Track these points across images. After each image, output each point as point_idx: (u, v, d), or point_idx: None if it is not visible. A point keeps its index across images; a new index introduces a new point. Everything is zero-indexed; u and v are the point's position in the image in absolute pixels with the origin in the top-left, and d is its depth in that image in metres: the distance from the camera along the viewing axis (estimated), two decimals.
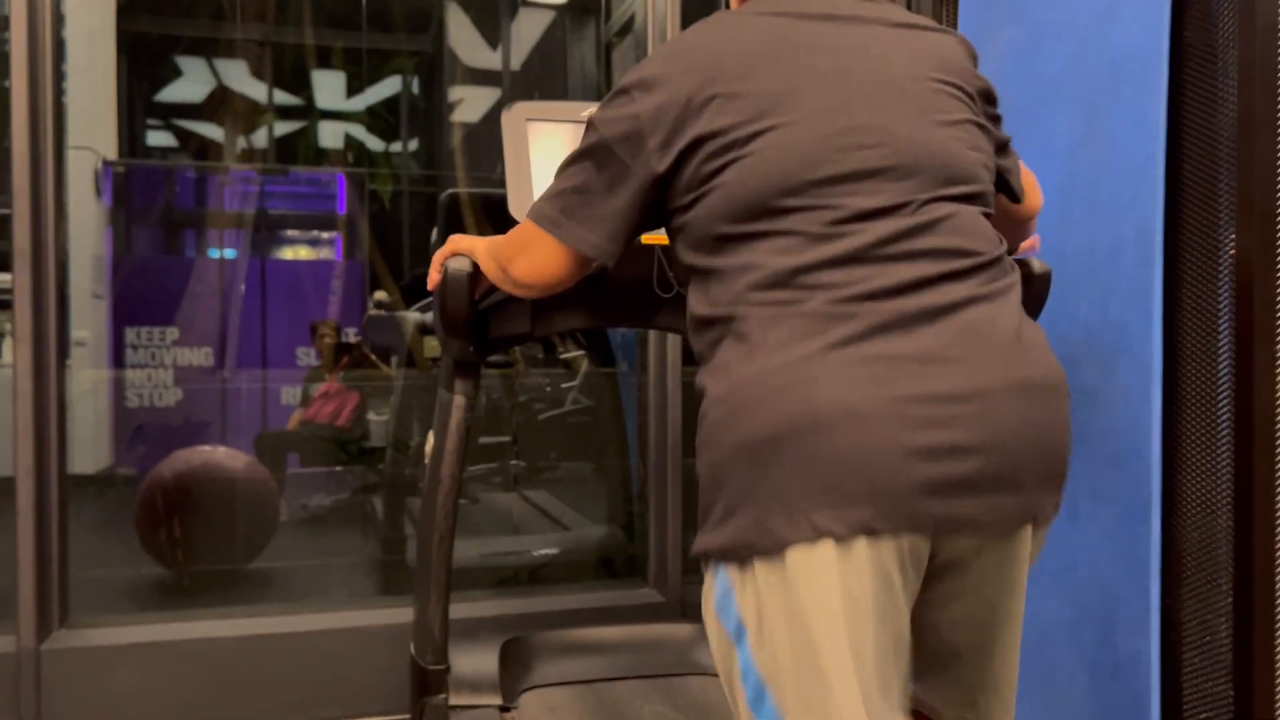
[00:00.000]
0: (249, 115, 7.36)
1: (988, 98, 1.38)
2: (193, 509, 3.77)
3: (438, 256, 1.90)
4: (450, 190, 3.57)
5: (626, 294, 2.20)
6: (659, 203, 1.27)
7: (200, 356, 6.12)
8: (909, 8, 2.43)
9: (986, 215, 1.27)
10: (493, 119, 6.60)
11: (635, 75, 1.26)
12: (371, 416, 5.29)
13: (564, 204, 1.30)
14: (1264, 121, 1.64)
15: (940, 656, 1.28)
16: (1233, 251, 1.69)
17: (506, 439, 4.56)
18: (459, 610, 2.90)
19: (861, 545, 1.07)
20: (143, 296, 6.04)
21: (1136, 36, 1.80)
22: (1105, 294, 1.87)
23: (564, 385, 4.67)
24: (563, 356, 4.53)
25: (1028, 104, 2.07)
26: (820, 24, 1.25)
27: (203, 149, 7.58)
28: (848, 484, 1.06)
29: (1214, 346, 1.74)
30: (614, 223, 1.27)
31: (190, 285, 6.26)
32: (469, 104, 7.23)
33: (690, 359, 2.65)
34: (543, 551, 3.69)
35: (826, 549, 1.06)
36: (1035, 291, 1.79)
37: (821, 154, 1.16)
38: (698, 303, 1.22)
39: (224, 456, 4.24)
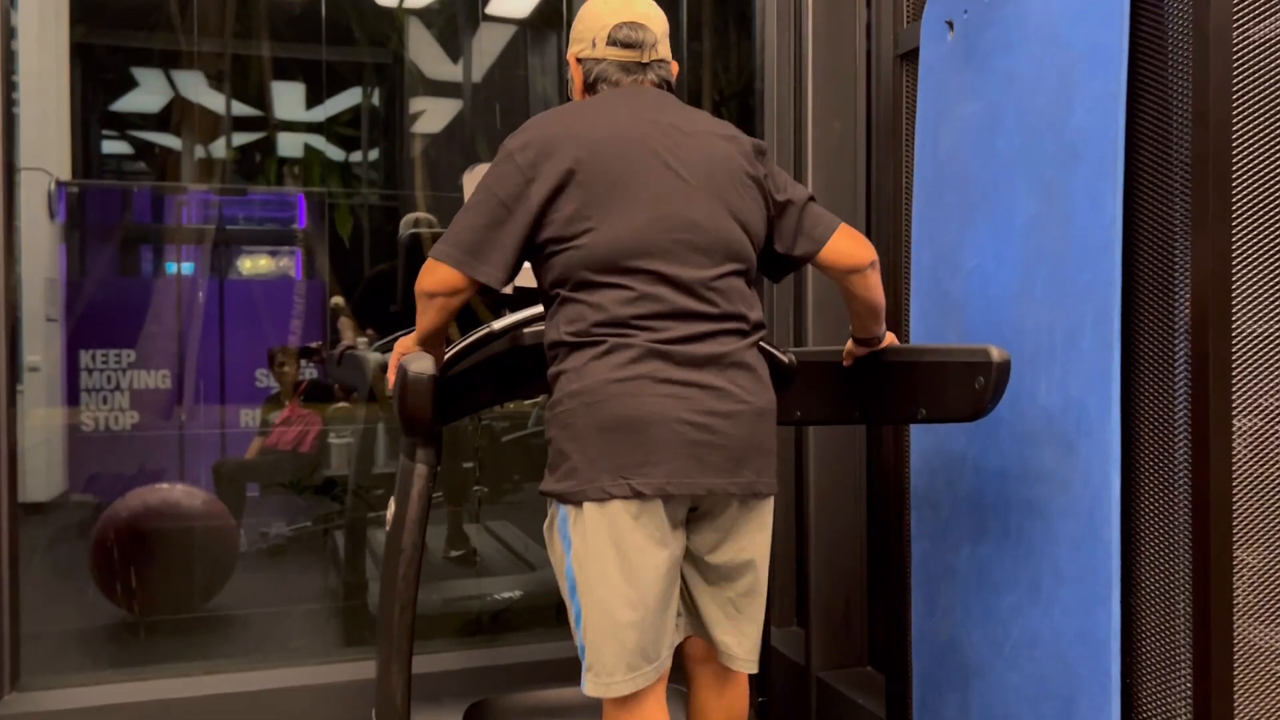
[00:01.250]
0: (207, 127, 7.26)
1: (759, 176, 1.84)
2: (148, 554, 3.71)
3: (392, 359, 1.90)
4: (411, 231, 3.53)
5: None
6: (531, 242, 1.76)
7: (158, 379, 6.02)
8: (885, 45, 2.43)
9: (750, 286, 1.83)
10: (453, 130, 6.55)
11: (513, 143, 1.77)
12: (333, 440, 5.24)
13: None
14: (1216, 216, 1.66)
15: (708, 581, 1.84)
16: (1188, 346, 1.71)
17: (469, 465, 4.52)
18: (421, 664, 2.87)
19: (658, 503, 1.67)
20: (98, 319, 5.92)
21: (1093, 122, 1.81)
22: (1065, 374, 1.88)
23: (528, 403, 4.63)
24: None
25: (987, 179, 2.08)
26: (647, 127, 1.76)
27: (161, 161, 7.46)
28: (653, 463, 1.66)
29: (1171, 430, 1.76)
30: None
31: (147, 306, 6.15)
32: (430, 116, 7.17)
33: None
34: (506, 595, 3.66)
35: (634, 503, 1.66)
36: (994, 380, 1.79)
37: (648, 235, 1.71)
38: (561, 323, 1.76)
39: (181, 495, 4.17)
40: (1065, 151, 1.86)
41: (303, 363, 5.63)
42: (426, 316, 1.80)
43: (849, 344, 2.03)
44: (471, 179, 2.50)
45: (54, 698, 2.75)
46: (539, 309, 2.25)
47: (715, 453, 1.69)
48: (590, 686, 1.72)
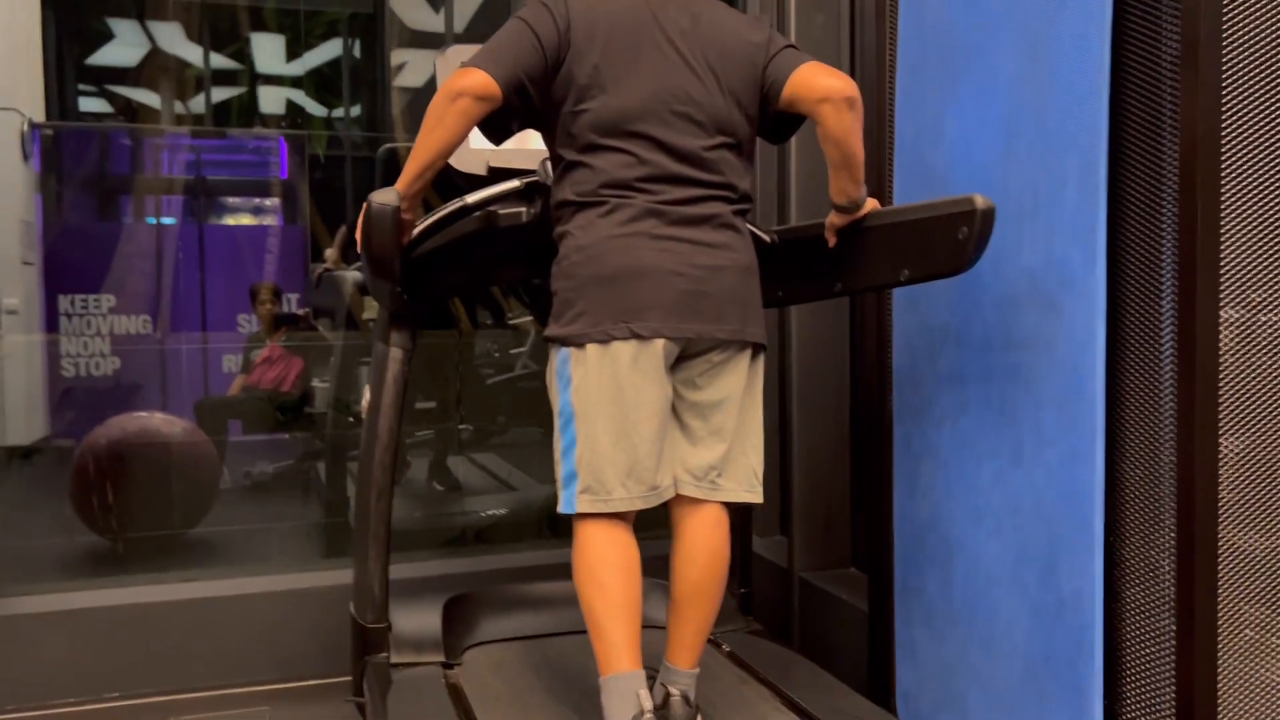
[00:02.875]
0: (185, 79, 7.15)
1: (765, 49, 1.92)
2: (128, 475, 3.67)
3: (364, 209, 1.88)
4: (388, 145, 3.47)
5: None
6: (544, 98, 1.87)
7: (138, 324, 5.96)
8: None
9: (743, 159, 1.94)
10: (434, 85, 6.43)
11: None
12: (316, 383, 5.19)
13: None
14: (1207, 55, 1.62)
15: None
16: (1176, 184, 1.67)
17: (451, 402, 4.48)
18: (403, 570, 2.84)
19: (654, 344, 1.81)
20: (77, 263, 5.85)
21: None
22: (1049, 232, 1.85)
23: (513, 351, 4.60)
24: (511, 322, 4.46)
25: (972, 42, 2.04)
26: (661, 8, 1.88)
27: (138, 114, 7.35)
28: (649, 309, 1.80)
29: (1158, 283, 1.73)
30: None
31: (126, 251, 6.08)
32: (411, 67, 7.07)
33: None
34: (489, 511, 3.64)
35: (633, 344, 1.80)
36: (979, 227, 1.76)
37: (650, 105, 1.84)
38: (568, 185, 1.88)
39: (160, 422, 4.12)
40: (1051, 1, 1.82)
41: (285, 298, 5.57)
42: (441, 129, 1.79)
43: (830, 215, 2.01)
44: (444, 62, 2.45)
45: (25, 603, 2.72)
46: (513, 183, 2.21)
47: (704, 301, 1.83)
48: (586, 503, 1.83)
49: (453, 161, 2.32)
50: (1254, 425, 1.70)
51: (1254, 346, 1.68)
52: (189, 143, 7.03)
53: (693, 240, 1.83)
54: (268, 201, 7.39)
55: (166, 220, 6.62)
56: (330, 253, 4.09)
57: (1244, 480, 1.70)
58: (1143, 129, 1.74)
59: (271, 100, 7.98)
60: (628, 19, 1.86)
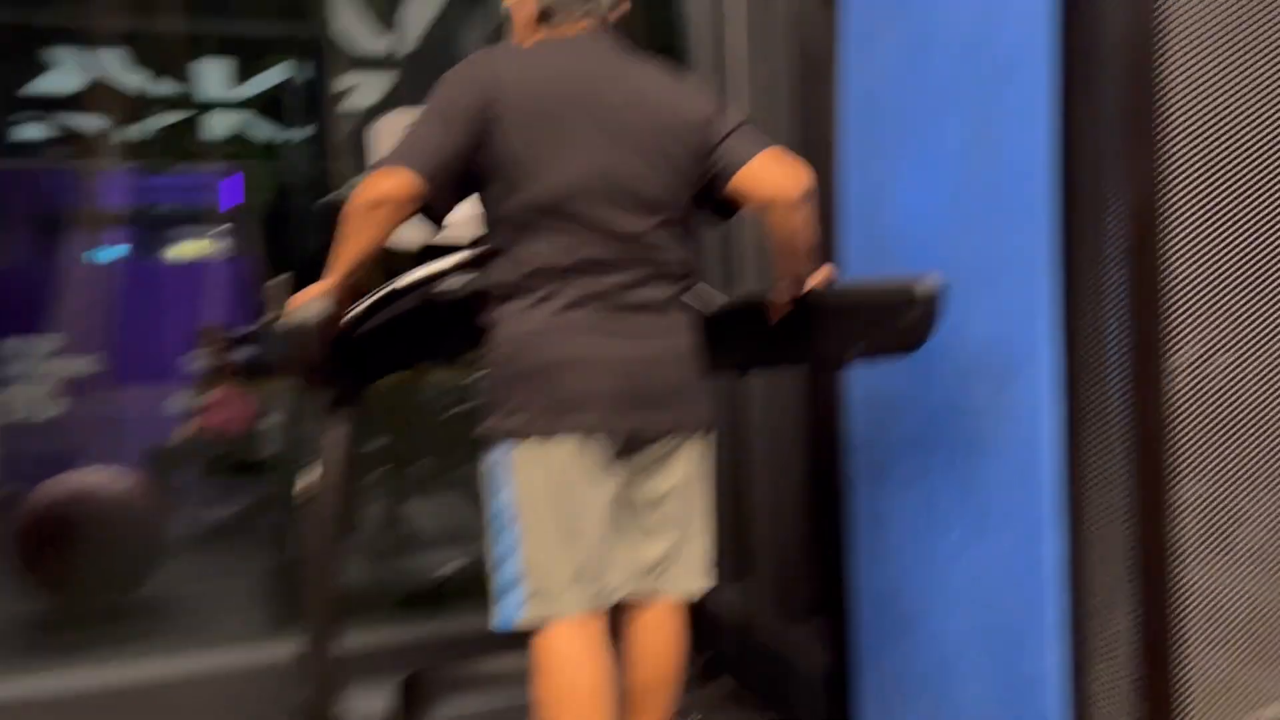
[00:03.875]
0: (129, 107, 6.99)
1: (712, 125, 1.82)
2: (71, 540, 3.55)
3: (290, 304, 1.80)
4: (326, 199, 3.39)
5: None
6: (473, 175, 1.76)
7: (83, 366, 5.81)
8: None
9: (684, 234, 1.85)
10: (386, 105, 6.35)
11: (463, 70, 1.75)
12: (272, 417, 5.09)
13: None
14: (1149, 131, 1.61)
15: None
16: (1124, 268, 1.65)
17: (404, 442, 4.40)
18: (357, 641, 2.77)
19: (591, 441, 1.73)
20: (17, 305, 5.69)
21: (1021, 41, 1.74)
22: (1000, 305, 1.82)
23: (468, 381, 4.52)
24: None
25: (918, 108, 2.01)
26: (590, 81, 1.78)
27: (81, 143, 7.18)
28: (588, 402, 1.73)
29: (1108, 358, 1.71)
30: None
31: (70, 290, 5.93)
32: (361, 91, 6.97)
33: None
34: (445, 569, 3.57)
35: (570, 440, 1.72)
36: (929, 309, 1.73)
37: (586, 185, 1.73)
38: (497, 269, 1.79)
39: (106, 479, 4.00)
40: (996, 73, 1.80)
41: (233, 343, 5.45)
42: (359, 236, 1.70)
43: (776, 287, 1.95)
44: (379, 131, 2.39)
45: None
46: (444, 263, 2.15)
47: (646, 392, 1.76)
48: (534, 608, 1.73)
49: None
50: (1210, 503, 1.69)
51: (1207, 427, 1.67)
52: (131, 177, 6.88)
53: (632, 328, 1.76)
54: (216, 233, 7.25)
55: (114, 253, 6.47)
56: (274, 305, 3.99)
57: (1201, 562, 1.68)
58: (1090, 204, 1.72)
59: (218, 125, 7.84)
60: (560, 91, 1.74)
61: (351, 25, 7.02)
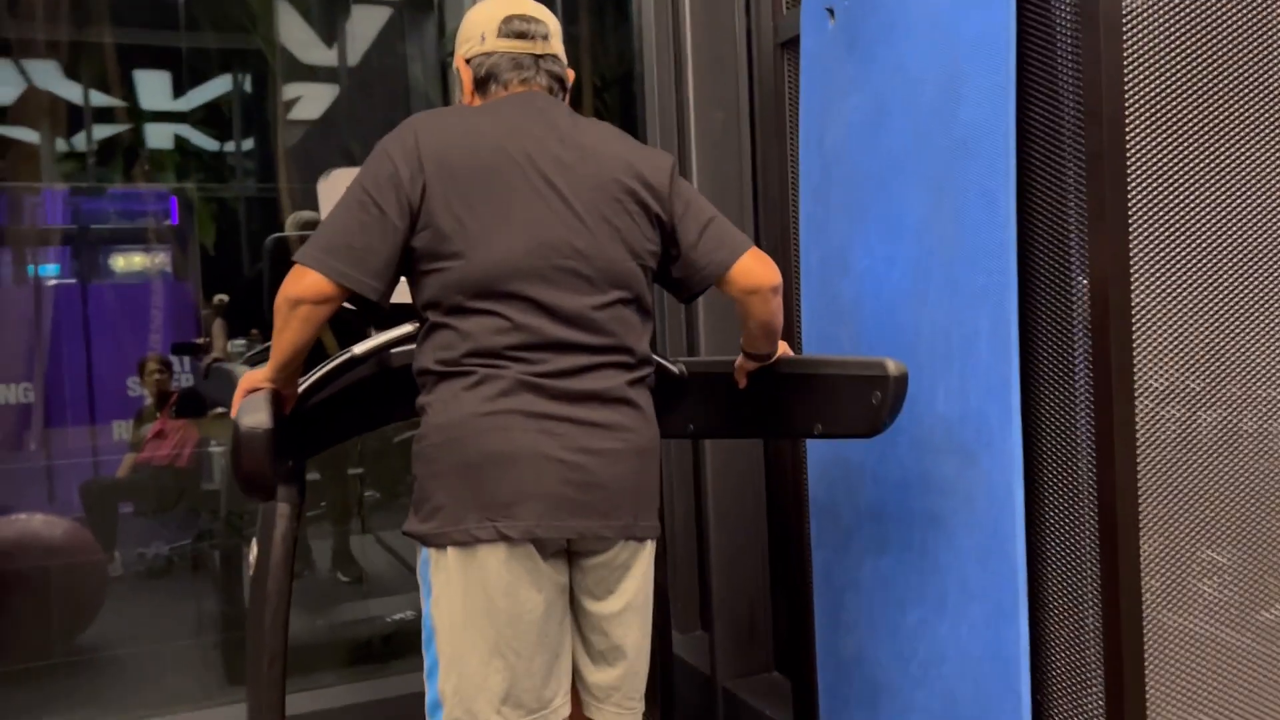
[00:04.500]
0: (64, 119, 6.76)
1: (667, 195, 1.70)
2: (4, 596, 3.41)
3: (236, 396, 1.69)
4: (275, 235, 3.30)
5: None
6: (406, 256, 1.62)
7: (15, 394, 5.61)
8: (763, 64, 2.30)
9: (638, 314, 1.69)
10: (330, 118, 6.22)
11: (390, 144, 1.62)
12: (214, 447, 4.95)
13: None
14: (1113, 212, 1.58)
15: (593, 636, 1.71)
16: (1089, 348, 1.63)
17: (355, 471, 4.31)
18: (302, 703, 2.69)
19: (528, 546, 1.56)
20: None
21: (983, 115, 1.71)
22: (963, 382, 1.79)
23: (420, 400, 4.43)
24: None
25: (876, 176, 1.97)
26: (533, 142, 1.63)
27: (15, 155, 6.93)
28: (521, 503, 1.55)
29: (1074, 438, 1.68)
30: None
31: (1, 314, 5.72)
32: (305, 102, 6.81)
33: None
34: (397, 616, 3.48)
35: (501, 547, 1.54)
36: (892, 394, 1.69)
37: (527, 260, 1.59)
38: (430, 349, 1.63)
39: (40, 526, 3.87)
40: (956, 146, 1.77)
41: (175, 371, 5.29)
42: (289, 331, 1.60)
43: (740, 359, 1.91)
44: (328, 187, 2.30)
45: None
46: (406, 329, 2.08)
47: (589, 493, 1.58)
48: None
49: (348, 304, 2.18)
50: (1176, 589, 1.67)
51: (1174, 503, 1.65)
52: (67, 195, 6.66)
53: (578, 419, 1.58)
54: (157, 252, 7.05)
55: (45, 273, 6.26)
56: (217, 343, 3.89)
57: (1170, 655, 1.66)
58: (1052, 284, 1.70)
59: (158, 137, 7.62)
60: (495, 159, 1.59)
61: (295, 37, 6.86)
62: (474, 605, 1.55)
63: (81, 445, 5.45)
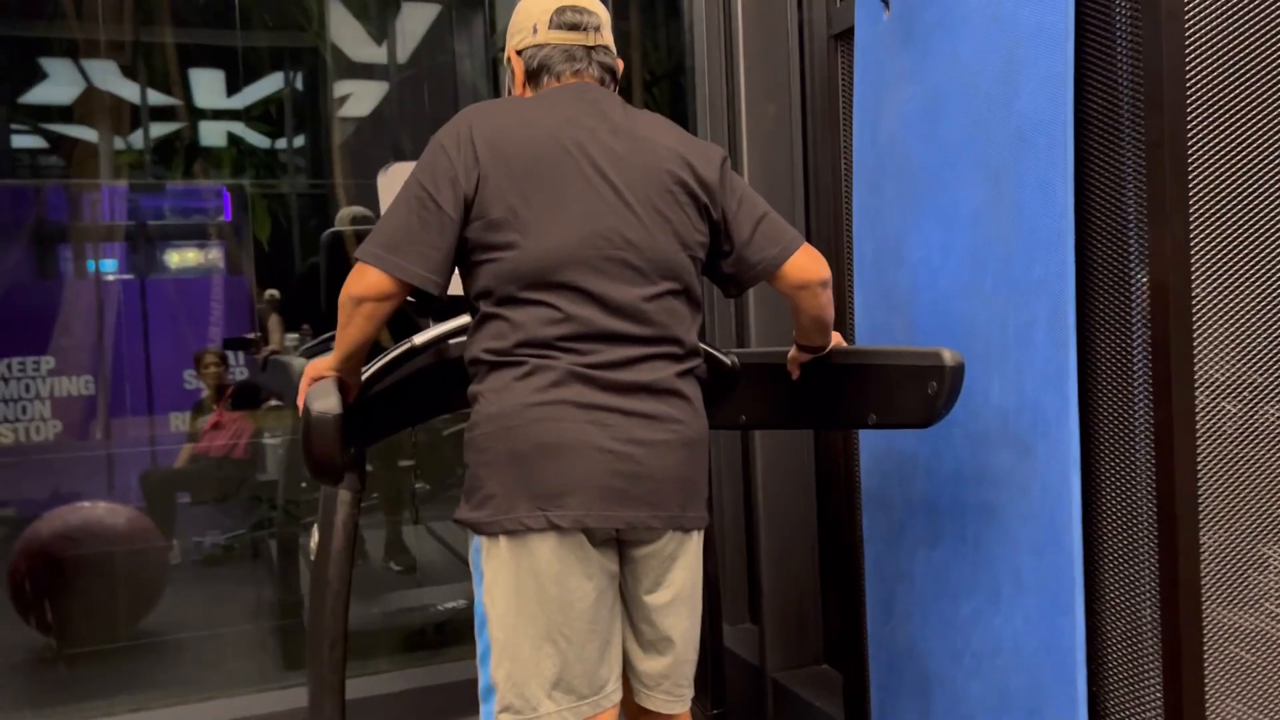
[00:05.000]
0: (122, 117, 6.90)
1: (719, 188, 1.72)
2: (69, 581, 3.51)
3: (302, 385, 1.74)
4: (332, 230, 3.36)
5: None
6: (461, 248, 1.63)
7: (80, 386, 5.75)
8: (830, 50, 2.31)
9: (688, 306, 1.71)
10: (380, 114, 6.30)
11: (445, 136, 1.63)
12: (268, 440, 5.05)
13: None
14: (1173, 203, 1.57)
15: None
16: (1148, 340, 1.62)
17: (406, 463, 4.36)
18: (359, 688, 2.74)
19: (578, 535, 1.58)
20: (12, 324, 5.63)
21: (1041, 106, 1.70)
22: (1019, 373, 1.79)
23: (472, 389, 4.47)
24: None
25: (931, 167, 1.97)
26: (585, 133, 1.64)
27: (75, 154, 7.10)
28: (571, 493, 1.56)
29: (1132, 430, 1.67)
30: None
31: (65, 309, 5.87)
32: (356, 100, 6.90)
33: None
34: (449, 604, 3.53)
35: (551, 536, 1.56)
36: (948, 385, 1.69)
37: (579, 251, 1.59)
38: (482, 339, 1.64)
39: (104, 514, 3.96)
40: (1013, 137, 1.76)
41: (231, 365, 5.40)
42: (352, 327, 1.63)
43: (793, 350, 1.92)
44: (387, 181, 2.35)
45: None
46: (465, 319, 2.11)
47: (638, 484, 1.59)
48: None
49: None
50: (1235, 585, 1.65)
51: (1235, 497, 1.64)
52: (126, 192, 6.80)
53: (628, 411, 1.59)
54: (211, 248, 7.18)
55: (106, 269, 6.40)
56: (273, 336, 3.96)
57: (1226, 649, 1.65)
58: (1110, 275, 1.69)
59: (212, 135, 7.76)
60: (548, 148, 1.60)
61: (346, 34, 6.95)
62: (525, 592, 1.57)
63: (140, 436, 5.58)
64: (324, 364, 1.74)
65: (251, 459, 5.03)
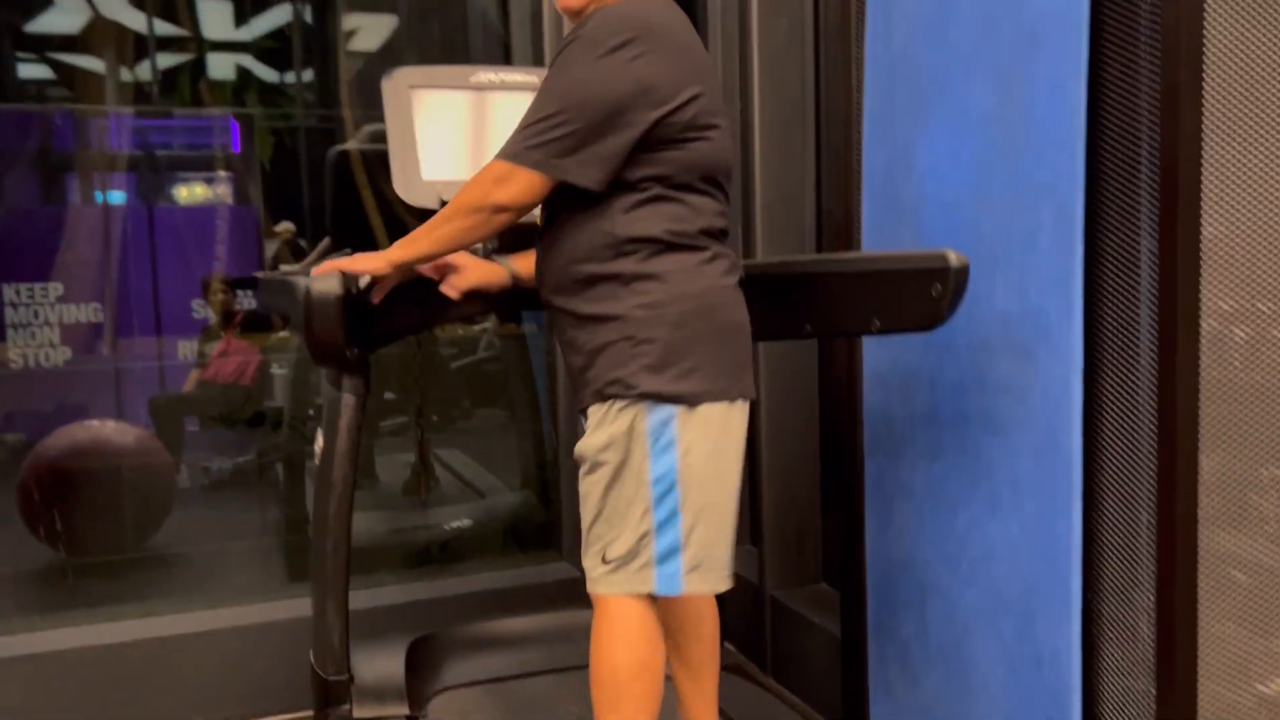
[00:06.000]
0: (129, 47, 6.84)
1: None
2: (78, 494, 3.55)
3: (347, 265, 1.75)
4: (338, 147, 3.32)
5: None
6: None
7: (88, 313, 5.76)
8: None
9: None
10: (390, 48, 6.23)
11: (626, 37, 1.62)
12: (275, 370, 5.07)
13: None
14: (1187, 99, 1.55)
15: None
16: (1155, 237, 1.61)
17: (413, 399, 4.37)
18: (364, 599, 2.78)
19: (747, 406, 1.75)
20: (20, 250, 5.64)
21: (1053, 3, 1.67)
22: (1024, 278, 1.78)
23: (477, 328, 4.48)
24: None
25: (940, 72, 1.95)
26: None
27: (82, 84, 7.04)
28: (748, 368, 1.75)
29: (1135, 335, 1.67)
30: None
31: (72, 236, 5.86)
32: (364, 34, 6.82)
33: None
34: (455, 524, 3.56)
35: (742, 405, 1.73)
36: (952, 286, 1.69)
37: (730, 155, 1.77)
38: (659, 219, 1.67)
39: (112, 432, 4.00)
40: (1024, 37, 1.73)
41: (239, 292, 5.40)
42: (471, 233, 1.70)
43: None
44: (392, 87, 2.32)
45: None
46: None
47: None
48: (697, 582, 1.71)
49: (400, 194, 2.21)
50: (1231, 476, 1.66)
51: (1236, 405, 1.63)
52: (133, 120, 6.76)
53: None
54: (220, 178, 7.15)
55: (115, 198, 6.38)
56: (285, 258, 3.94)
57: (1221, 536, 1.65)
58: (1120, 178, 1.67)
59: (220, 67, 7.68)
60: (702, 51, 1.75)
61: None
62: (726, 457, 1.71)
63: (149, 366, 5.60)
64: (387, 258, 1.74)
65: (259, 385, 5.06)
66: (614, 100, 1.60)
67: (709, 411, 1.67)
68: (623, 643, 1.71)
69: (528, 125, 1.64)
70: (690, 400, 1.66)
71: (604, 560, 1.71)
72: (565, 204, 1.71)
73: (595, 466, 1.70)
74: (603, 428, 1.68)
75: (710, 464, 1.69)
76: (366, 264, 1.78)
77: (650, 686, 1.73)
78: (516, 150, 1.63)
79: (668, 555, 1.69)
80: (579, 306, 1.71)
